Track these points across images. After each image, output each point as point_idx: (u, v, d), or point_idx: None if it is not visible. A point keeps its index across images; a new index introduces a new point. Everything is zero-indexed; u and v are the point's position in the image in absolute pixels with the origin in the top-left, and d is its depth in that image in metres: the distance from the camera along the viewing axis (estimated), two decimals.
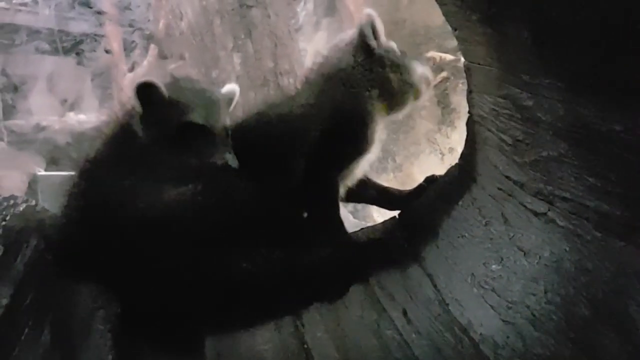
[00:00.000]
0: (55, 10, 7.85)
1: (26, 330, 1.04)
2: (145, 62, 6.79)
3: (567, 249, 1.08)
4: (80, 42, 8.03)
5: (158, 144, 1.45)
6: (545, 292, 1.09)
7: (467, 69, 1.41)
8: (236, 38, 3.89)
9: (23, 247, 1.17)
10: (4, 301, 1.02)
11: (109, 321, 1.23)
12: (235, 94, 1.67)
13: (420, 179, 1.72)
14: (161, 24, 6.08)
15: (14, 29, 7.54)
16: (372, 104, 1.57)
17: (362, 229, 1.73)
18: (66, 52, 7.95)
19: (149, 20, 7.45)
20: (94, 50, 7.96)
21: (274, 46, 3.91)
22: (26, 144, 6.88)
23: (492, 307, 1.19)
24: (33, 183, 5.72)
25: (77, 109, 7.77)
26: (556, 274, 1.09)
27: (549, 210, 1.13)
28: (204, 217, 1.25)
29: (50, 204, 1.40)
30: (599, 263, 1.01)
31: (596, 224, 1.02)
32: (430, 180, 1.67)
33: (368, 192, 1.71)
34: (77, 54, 8.02)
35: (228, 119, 1.57)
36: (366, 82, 1.58)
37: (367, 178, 1.71)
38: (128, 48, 7.65)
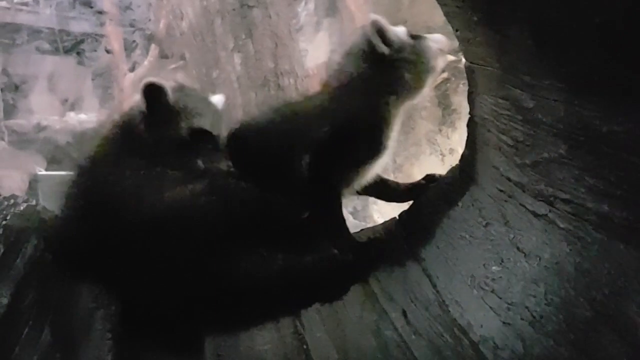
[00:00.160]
0: (56, 10, 7.86)
1: (26, 329, 1.04)
2: (146, 62, 6.79)
3: (568, 250, 1.08)
4: (81, 41, 8.04)
5: (162, 146, 1.45)
6: (545, 294, 1.09)
7: (468, 70, 1.41)
8: (237, 38, 3.89)
9: (23, 247, 1.17)
10: (4, 301, 1.02)
11: (108, 321, 1.23)
12: (221, 104, 1.68)
13: None
14: (162, 24, 6.09)
15: (15, 28, 7.55)
16: (389, 110, 1.54)
17: (362, 229, 1.73)
18: (67, 51, 7.96)
19: (149, 20, 7.46)
20: (95, 50, 7.97)
21: (275, 46, 3.91)
22: (27, 144, 6.88)
23: (491, 308, 1.19)
24: (33, 183, 5.73)
25: (77, 109, 7.77)
26: (556, 276, 1.09)
27: (549, 211, 1.13)
28: (206, 217, 1.25)
29: (51, 203, 1.40)
30: (599, 264, 1.01)
31: (596, 226, 1.02)
32: (429, 178, 1.67)
33: (373, 187, 1.69)
34: (78, 53, 8.03)
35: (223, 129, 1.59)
36: (381, 89, 1.53)
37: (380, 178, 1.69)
38: (129, 48, 7.65)
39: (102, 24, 7.64)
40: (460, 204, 1.43)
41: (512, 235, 1.23)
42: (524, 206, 1.21)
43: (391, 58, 1.52)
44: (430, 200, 1.58)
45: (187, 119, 1.48)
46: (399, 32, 1.55)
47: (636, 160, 0.90)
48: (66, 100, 7.83)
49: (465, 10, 1.18)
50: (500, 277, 1.21)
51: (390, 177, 1.72)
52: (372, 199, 1.82)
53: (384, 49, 1.51)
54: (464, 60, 1.43)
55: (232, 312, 1.26)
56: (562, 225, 1.10)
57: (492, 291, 1.21)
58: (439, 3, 1.30)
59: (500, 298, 1.18)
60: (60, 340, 1.11)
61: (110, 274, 1.22)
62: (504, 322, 1.14)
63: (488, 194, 1.34)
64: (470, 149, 1.48)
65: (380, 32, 1.50)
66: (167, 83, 1.50)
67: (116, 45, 7.15)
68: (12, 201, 1.24)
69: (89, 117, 7.16)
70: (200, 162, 1.46)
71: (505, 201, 1.27)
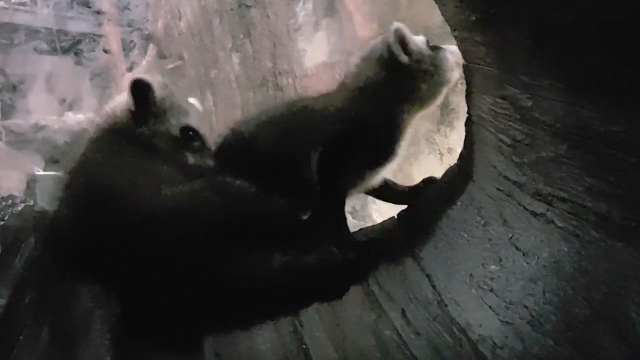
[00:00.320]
0: (53, 10, 7.84)
1: (25, 329, 1.04)
2: (144, 62, 6.78)
3: (566, 249, 1.08)
4: (79, 41, 8.01)
5: (155, 144, 1.47)
6: (544, 293, 1.09)
7: (466, 70, 1.41)
8: (235, 38, 3.89)
9: (21, 247, 1.17)
10: (3, 301, 1.02)
11: (107, 321, 1.23)
12: (199, 106, 1.71)
13: (419, 179, 1.73)
14: (160, 24, 6.08)
15: (13, 28, 7.52)
16: (403, 118, 1.54)
17: (361, 229, 1.73)
18: (65, 51, 7.94)
19: (147, 20, 7.44)
20: (93, 50, 7.94)
21: (273, 46, 3.91)
22: (25, 144, 6.86)
23: (490, 307, 1.19)
24: (32, 183, 5.70)
25: (75, 109, 7.75)
26: (555, 275, 1.09)
27: (547, 210, 1.13)
28: (204, 216, 1.24)
29: (49, 203, 1.39)
30: (598, 264, 1.01)
31: (595, 225, 1.02)
32: (428, 181, 1.67)
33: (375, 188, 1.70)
34: (76, 53, 8.00)
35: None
36: (398, 97, 1.53)
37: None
38: (127, 48, 7.64)
39: (100, 24, 7.63)
40: (458, 203, 1.43)
41: (510, 235, 1.23)
42: (522, 205, 1.21)
43: (410, 68, 1.52)
44: (429, 199, 1.58)
45: (176, 116, 1.51)
46: (419, 41, 1.54)
47: (635, 161, 0.90)
48: (64, 100, 7.81)
49: (463, 10, 1.18)
50: (499, 276, 1.21)
51: (389, 176, 1.73)
52: (370, 198, 1.82)
53: (404, 59, 1.50)
54: (462, 60, 1.43)
55: (232, 312, 1.25)
56: (560, 225, 1.10)
57: (491, 290, 1.21)
58: (437, 3, 1.30)
59: (499, 297, 1.18)
60: (60, 340, 1.10)
61: (109, 273, 1.22)
62: (502, 322, 1.15)
63: (486, 194, 1.35)
64: (468, 148, 1.48)
65: (402, 41, 1.50)
66: (154, 80, 1.51)
67: (114, 45, 7.14)
68: (10, 201, 1.24)
69: (87, 117, 7.14)
70: (190, 158, 1.51)
71: (504, 200, 1.27)
